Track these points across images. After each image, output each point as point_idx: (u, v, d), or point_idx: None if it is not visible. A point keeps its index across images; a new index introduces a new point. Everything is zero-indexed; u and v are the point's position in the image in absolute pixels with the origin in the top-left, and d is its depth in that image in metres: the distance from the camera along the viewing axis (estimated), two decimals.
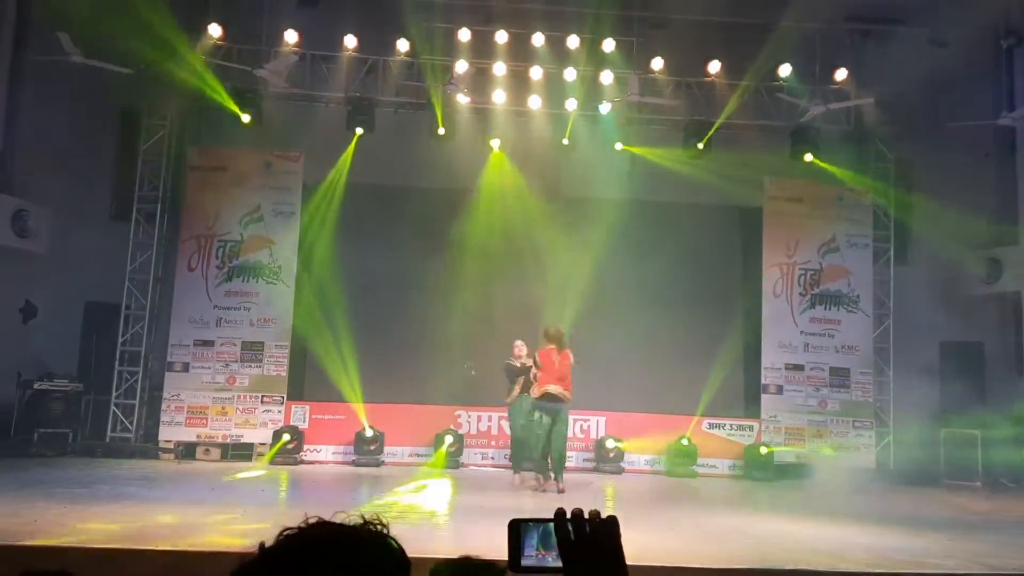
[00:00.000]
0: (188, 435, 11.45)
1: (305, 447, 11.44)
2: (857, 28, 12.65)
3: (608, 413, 12.01)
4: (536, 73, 11.88)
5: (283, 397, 11.72)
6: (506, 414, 10.34)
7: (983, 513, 9.05)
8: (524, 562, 1.20)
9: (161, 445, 11.36)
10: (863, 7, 12.60)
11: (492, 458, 11.79)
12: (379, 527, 1.12)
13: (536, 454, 9.27)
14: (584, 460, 11.93)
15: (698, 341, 12.10)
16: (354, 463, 11.27)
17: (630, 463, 11.82)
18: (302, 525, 1.09)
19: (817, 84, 12.15)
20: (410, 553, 1.17)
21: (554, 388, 9.00)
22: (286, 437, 11.16)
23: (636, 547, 5.42)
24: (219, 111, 11.77)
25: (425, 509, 8.05)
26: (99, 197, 12.54)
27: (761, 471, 11.61)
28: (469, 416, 11.78)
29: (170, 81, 11.18)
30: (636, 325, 11.79)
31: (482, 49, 11.87)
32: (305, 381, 12.20)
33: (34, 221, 11.72)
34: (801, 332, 12.45)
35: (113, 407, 11.52)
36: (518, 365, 9.70)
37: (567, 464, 9.81)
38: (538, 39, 11.84)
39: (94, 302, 12.26)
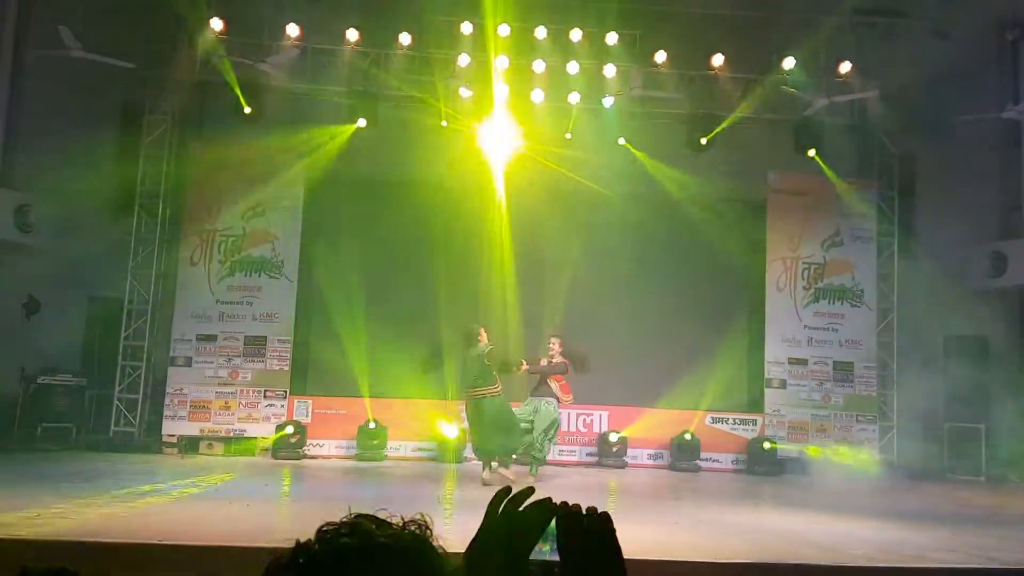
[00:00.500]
0: (191, 429, 11.46)
1: (308, 441, 11.44)
2: (862, 21, 12.57)
3: (611, 407, 12.00)
4: (539, 66, 11.83)
5: (286, 392, 11.72)
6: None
7: (987, 507, 9.03)
8: None
9: (164, 439, 11.37)
10: None
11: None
12: (423, 528, 1.06)
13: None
14: (587, 454, 11.93)
15: (701, 335, 12.08)
16: (357, 457, 11.28)
17: (633, 457, 11.82)
18: (344, 520, 1.04)
19: (821, 77, 12.09)
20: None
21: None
22: (289, 429, 11.17)
23: (639, 541, 5.41)
24: (221, 105, 11.74)
25: (427, 503, 8.05)
26: (101, 192, 12.50)
27: (764, 465, 11.59)
28: None
29: (170, 78, 11.15)
30: (639, 319, 11.78)
31: (484, 42, 11.82)
32: (308, 376, 12.20)
33: (36, 216, 11.72)
34: (805, 326, 12.42)
35: (116, 401, 11.53)
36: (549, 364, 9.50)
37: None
38: (541, 32, 11.79)
39: (97, 297, 12.27)
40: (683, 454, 11.70)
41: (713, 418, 12.06)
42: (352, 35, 11.67)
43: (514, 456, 9.29)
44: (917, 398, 12.46)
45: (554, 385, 9.45)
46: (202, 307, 11.76)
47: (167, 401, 11.50)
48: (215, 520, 6.31)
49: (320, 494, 8.75)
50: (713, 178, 12.05)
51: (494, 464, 8.99)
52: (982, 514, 8.49)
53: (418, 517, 1.07)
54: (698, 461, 11.73)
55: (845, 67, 11.99)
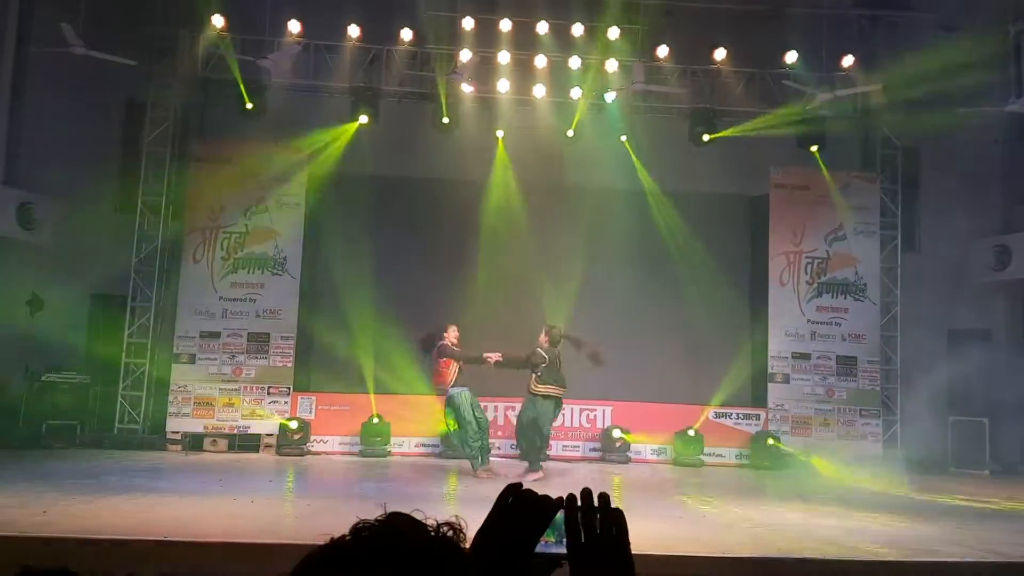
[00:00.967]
0: (195, 426, 11.48)
1: (312, 438, 11.46)
2: (864, 14, 12.54)
3: (614, 403, 12.00)
4: (540, 61, 11.81)
5: (289, 388, 11.74)
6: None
7: (992, 500, 9.02)
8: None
9: (168, 436, 11.39)
10: None
11: (499, 448, 11.78)
12: (456, 532, 1.05)
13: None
14: (591, 450, 11.93)
15: (704, 330, 12.08)
16: (360, 453, 11.30)
17: (636, 452, 11.82)
18: (379, 518, 1.03)
19: (824, 71, 12.06)
20: None
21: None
22: (293, 426, 11.20)
23: (643, 536, 5.41)
24: (223, 103, 11.75)
25: (431, 499, 8.06)
26: (104, 189, 12.54)
27: (768, 460, 11.59)
28: None
29: (172, 75, 11.16)
30: (642, 314, 11.78)
31: (486, 37, 11.81)
32: (311, 372, 12.22)
33: (39, 214, 11.74)
34: (808, 321, 12.40)
35: (120, 399, 11.55)
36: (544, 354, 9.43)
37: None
38: (542, 27, 11.77)
39: (100, 294, 12.29)
40: (686, 448, 11.71)
41: (716, 413, 12.06)
42: (353, 31, 11.66)
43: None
44: (921, 392, 12.44)
45: (531, 379, 9.46)
46: (205, 304, 11.77)
47: (171, 398, 11.52)
48: (219, 516, 6.32)
49: (323, 490, 8.76)
50: (715, 172, 12.04)
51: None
52: (987, 507, 8.48)
53: (453, 520, 1.05)
54: (701, 456, 11.73)
55: (848, 61, 11.96)
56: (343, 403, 11.63)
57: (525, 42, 11.85)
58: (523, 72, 11.90)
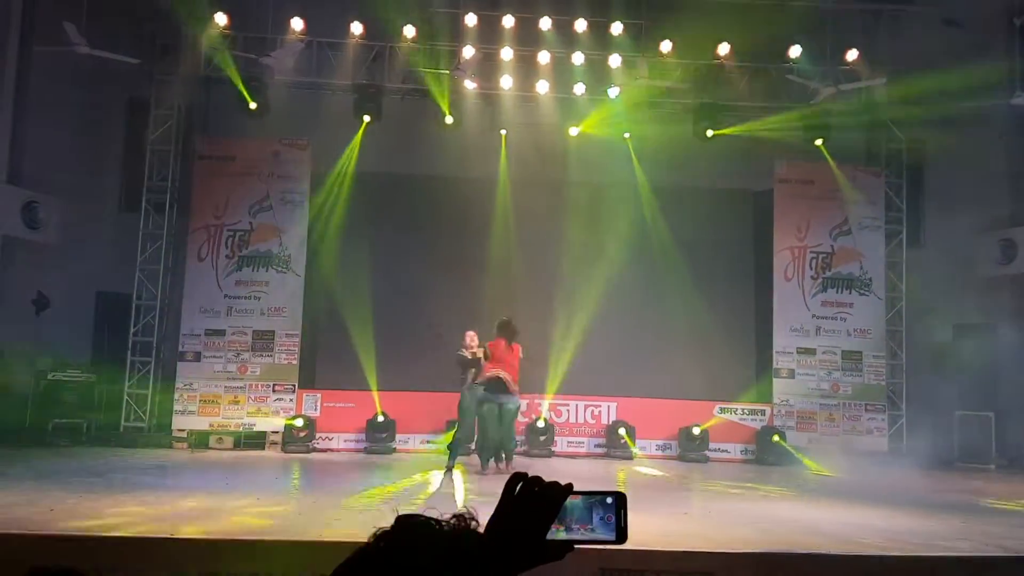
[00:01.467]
0: (201, 424, 11.51)
1: (317, 435, 11.49)
2: (868, 8, 12.49)
3: (619, 398, 12.00)
4: (543, 57, 11.80)
5: (294, 385, 11.76)
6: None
7: (998, 495, 9.00)
8: None
9: (174, 434, 11.42)
10: None
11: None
12: (467, 520, 1.13)
13: (489, 441, 9.38)
14: (596, 446, 11.94)
15: (709, 325, 12.06)
16: (366, 450, 11.32)
17: (641, 448, 11.82)
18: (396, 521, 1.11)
19: (828, 65, 12.02)
20: None
21: (503, 375, 9.14)
22: (299, 423, 11.22)
23: (648, 531, 5.42)
24: (226, 101, 11.75)
25: (435, 495, 8.07)
26: (108, 188, 12.59)
27: (773, 455, 11.58)
28: None
29: (175, 73, 11.17)
30: (646, 310, 11.78)
31: (489, 34, 11.80)
32: (316, 369, 12.24)
33: (44, 212, 11.78)
34: (813, 316, 12.38)
35: (126, 397, 11.59)
36: (468, 356, 9.36)
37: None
38: (545, 23, 11.75)
39: (105, 292, 12.33)
40: (692, 444, 11.70)
41: (721, 408, 12.05)
42: (356, 28, 11.65)
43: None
44: (926, 387, 12.42)
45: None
46: (210, 302, 11.79)
47: (176, 396, 11.55)
48: (225, 514, 6.33)
49: (329, 488, 8.77)
50: (720, 167, 12.02)
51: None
52: (993, 502, 8.46)
53: (463, 511, 1.14)
54: (707, 451, 11.72)
55: (852, 55, 11.92)
56: (348, 400, 11.65)
57: (528, 38, 11.84)
58: (526, 68, 11.89)
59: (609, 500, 1.19)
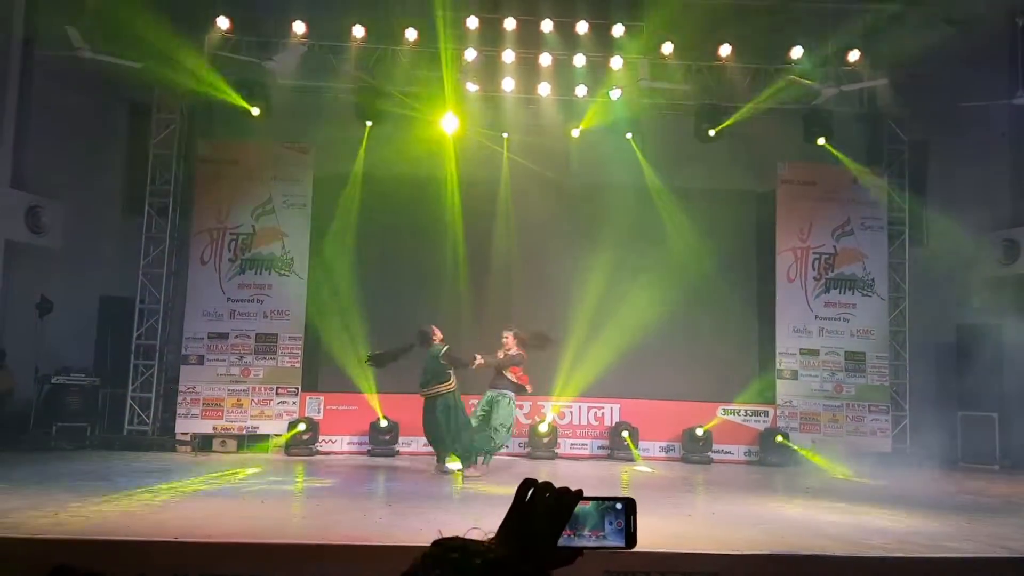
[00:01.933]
0: (204, 427, 11.52)
1: (320, 438, 11.50)
2: (870, 8, 12.48)
3: (622, 400, 12.00)
4: (545, 60, 11.81)
5: (297, 388, 11.77)
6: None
7: (1002, 496, 8.98)
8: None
9: (178, 437, 11.44)
10: None
11: (506, 446, 11.79)
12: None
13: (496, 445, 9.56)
14: (599, 448, 11.94)
15: (712, 327, 12.07)
16: (369, 453, 11.33)
17: (645, 450, 11.81)
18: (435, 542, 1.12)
19: (830, 66, 12.02)
20: (427, 540, 1.17)
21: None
22: (301, 427, 11.22)
23: (653, 533, 5.41)
24: (228, 104, 11.77)
25: (444, 499, 8.08)
26: (111, 192, 12.61)
27: (776, 456, 11.57)
28: None
29: (178, 76, 11.18)
30: (649, 311, 11.74)
31: (490, 37, 11.81)
32: (319, 372, 12.24)
33: (48, 217, 11.80)
34: (816, 316, 12.37)
35: (130, 400, 11.60)
36: (518, 356, 9.60)
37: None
38: (547, 25, 11.76)
39: (109, 296, 12.34)
40: (695, 446, 11.69)
41: (725, 409, 12.04)
42: (358, 31, 11.67)
43: (480, 458, 9.54)
44: (930, 387, 12.41)
45: (512, 376, 9.55)
46: (213, 305, 11.81)
47: (180, 399, 11.56)
48: (229, 517, 6.34)
49: (332, 490, 8.77)
50: (722, 168, 12.02)
51: (446, 462, 9.42)
52: (997, 503, 8.45)
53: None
54: (710, 453, 11.71)
55: (854, 55, 11.91)
56: (351, 403, 11.65)
57: (529, 41, 11.84)
58: (528, 71, 11.90)
59: (619, 506, 1.20)
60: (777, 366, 12.26)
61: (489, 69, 11.93)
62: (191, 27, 11.56)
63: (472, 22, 11.68)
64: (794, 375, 12.24)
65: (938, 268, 12.41)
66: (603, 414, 12.06)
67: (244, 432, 11.57)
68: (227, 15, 11.47)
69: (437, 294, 11.68)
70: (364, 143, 12.12)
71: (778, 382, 12.22)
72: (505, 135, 12.44)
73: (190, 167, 12.15)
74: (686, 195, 12.30)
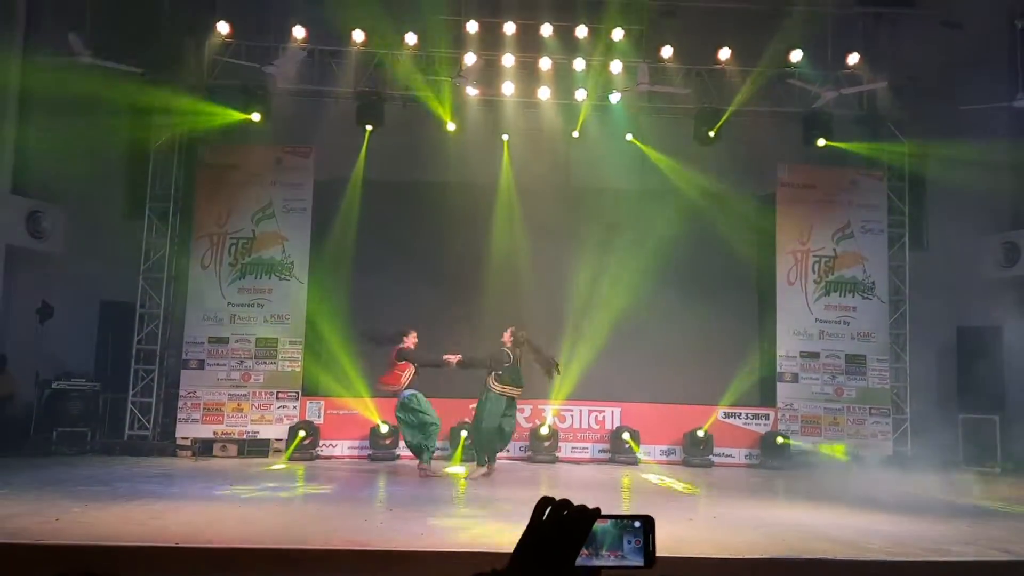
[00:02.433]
0: (205, 432, 11.52)
1: (321, 442, 11.49)
2: (869, 12, 12.52)
3: (623, 404, 12.00)
4: (545, 64, 11.83)
5: (298, 393, 11.77)
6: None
7: (1004, 499, 8.97)
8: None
9: (178, 442, 11.43)
10: None
11: (508, 450, 11.80)
12: None
13: (498, 445, 9.67)
14: (600, 451, 11.93)
15: (712, 330, 12.07)
16: (370, 457, 11.32)
17: (646, 453, 11.80)
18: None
19: (829, 69, 12.04)
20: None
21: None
22: (302, 434, 11.22)
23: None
24: (229, 108, 11.78)
25: (445, 503, 8.07)
26: (112, 197, 12.61)
27: (777, 460, 11.57)
28: None
29: (177, 86, 11.22)
30: (649, 315, 11.76)
31: (490, 40, 11.83)
32: (319, 377, 12.23)
33: (48, 222, 11.82)
34: (816, 319, 12.37)
35: (130, 405, 11.60)
36: (509, 353, 9.52)
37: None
38: (546, 29, 11.78)
39: (109, 301, 12.34)
40: (696, 449, 11.69)
41: (725, 413, 12.03)
42: (358, 36, 11.69)
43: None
44: (931, 390, 12.40)
45: (489, 378, 9.53)
46: (213, 310, 11.82)
47: (180, 404, 11.56)
48: (230, 522, 6.34)
49: (333, 495, 8.77)
50: (722, 172, 12.03)
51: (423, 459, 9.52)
52: (999, 506, 8.44)
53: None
54: (711, 456, 11.71)
55: (853, 58, 11.93)
56: (352, 407, 11.65)
57: (529, 45, 11.86)
58: (528, 75, 11.92)
59: (637, 524, 1.18)
60: (778, 369, 12.26)
61: (489, 73, 11.95)
62: (192, 32, 11.59)
63: (472, 26, 11.70)
64: (795, 378, 12.24)
65: (938, 271, 12.42)
66: (604, 418, 12.05)
67: (245, 437, 11.56)
68: (227, 20, 11.48)
69: (438, 298, 11.69)
70: (364, 147, 12.14)
71: (779, 385, 12.22)
72: (505, 137, 12.46)
73: (191, 171, 12.16)
74: (686, 198, 12.31)
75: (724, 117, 11.96)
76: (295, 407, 11.69)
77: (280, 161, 12.12)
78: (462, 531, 6.36)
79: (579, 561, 1.14)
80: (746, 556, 5.31)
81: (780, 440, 11.70)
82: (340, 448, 11.64)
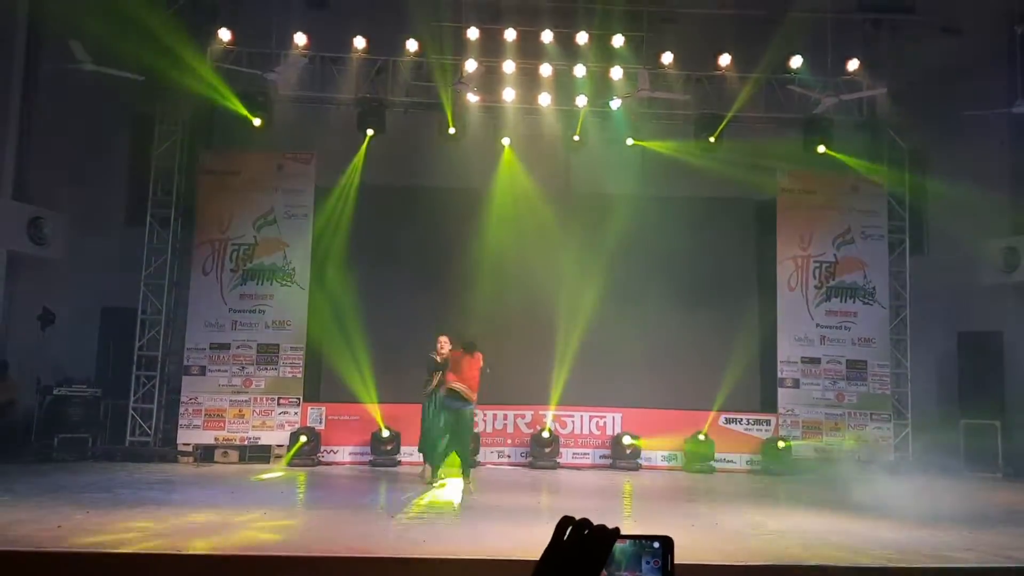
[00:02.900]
0: (206, 438, 11.52)
1: (322, 448, 11.50)
2: (869, 18, 12.55)
3: (624, 409, 11.99)
4: (545, 70, 11.85)
5: (299, 399, 11.77)
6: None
7: (1005, 505, 8.97)
8: None
9: (180, 448, 11.44)
10: None
11: (509, 456, 11.82)
12: None
13: (440, 448, 9.70)
14: (601, 457, 11.92)
15: (713, 335, 12.08)
16: (371, 463, 11.32)
17: (647, 459, 11.80)
18: None
19: (829, 75, 12.06)
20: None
21: (458, 386, 9.51)
22: (303, 439, 11.22)
23: None
24: (231, 115, 11.82)
25: (443, 507, 8.07)
26: (113, 203, 12.65)
27: (779, 465, 11.56)
28: (485, 415, 11.76)
29: (180, 86, 11.21)
30: (650, 321, 11.77)
31: (491, 47, 11.86)
32: (321, 382, 12.24)
33: (50, 228, 11.85)
34: (817, 325, 12.38)
35: (131, 411, 11.60)
36: (438, 360, 9.72)
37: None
38: (547, 36, 11.81)
39: (110, 307, 12.36)
40: (697, 455, 11.68)
41: (727, 419, 12.04)
42: (359, 43, 11.72)
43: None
44: (931, 395, 12.40)
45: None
46: (215, 316, 11.83)
47: (182, 410, 11.57)
48: (232, 528, 6.34)
49: (334, 502, 8.77)
50: (722, 178, 12.04)
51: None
52: (1000, 512, 8.43)
53: None
54: (712, 462, 11.70)
55: (853, 64, 11.96)
56: (353, 413, 11.65)
57: (530, 51, 11.89)
58: (528, 81, 11.94)
59: (656, 544, 1.18)
60: (779, 375, 12.26)
61: (490, 79, 11.97)
62: (194, 39, 11.61)
63: (473, 32, 11.73)
64: (796, 384, 12.24)
65: (939, 276, 12.43)
66: (605, 423, 12.05)
67: (246, 443, 11.56)
68: (229, 27, 11.51)
69: (438, 303, 11.69)
70: (363, 152, 12.16)
71: (780, 391, 12.22)
72: (506, 142, 12.47)
73: (192, 178, 12.18)
74: (686, 204, 12.34)
75: (724, 123, 11.98)
76: (296, 413, 11.69)
77: (281, 167, 12.14)
78: (463, 538, 6.36)
79: None
80: (748, 563, 5.31)
81: (781, 445, 11.69)
82: (341, 454, 11.64)
